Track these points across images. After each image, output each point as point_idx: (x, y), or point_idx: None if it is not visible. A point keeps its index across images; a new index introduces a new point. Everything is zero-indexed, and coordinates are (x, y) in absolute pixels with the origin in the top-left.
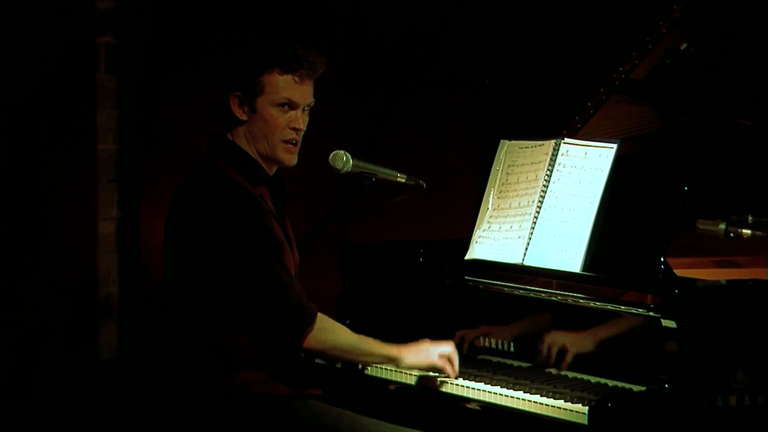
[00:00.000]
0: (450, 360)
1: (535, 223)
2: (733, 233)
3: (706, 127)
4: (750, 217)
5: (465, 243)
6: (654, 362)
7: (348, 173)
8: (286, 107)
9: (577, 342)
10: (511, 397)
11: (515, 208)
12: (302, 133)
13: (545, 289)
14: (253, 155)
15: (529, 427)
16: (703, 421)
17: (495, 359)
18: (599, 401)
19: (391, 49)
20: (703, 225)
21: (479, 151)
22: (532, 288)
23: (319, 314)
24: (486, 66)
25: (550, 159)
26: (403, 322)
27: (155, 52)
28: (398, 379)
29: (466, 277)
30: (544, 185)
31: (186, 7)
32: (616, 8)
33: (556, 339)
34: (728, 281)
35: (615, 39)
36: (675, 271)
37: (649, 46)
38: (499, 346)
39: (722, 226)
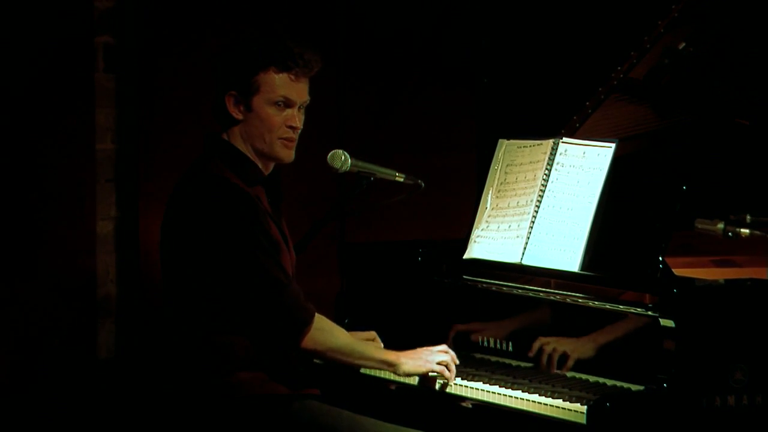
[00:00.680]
0: (448, 367)
1: (533, 222)
2: (732, 232)
3: (705, 127)
4: (748, 217)
5: (463, 242)
6: (652, 362)
7: (346, 173)
8: (282, 105)
9: (575, 341)
10: (509, 396)
11: (514, 207)
12: (299, 131)
13: (544, 289)
14: (249, 155)
15: (528, 427)
16: (702, 421)
17: (493, 358)
18: (598, 401)
19: (389, 48)
20: (701, 224)
21: (478, 151)
22: (531, 287)
23: (317, 315)
24: (485, 65)
25: (549, 158)
26: (402, 322)
27: (154, 52)
28: (397, 379)
29: (465, 277)
30: (542, 185)
31: (184, 7)
32: (615, 8)
33: (554, 338)
34: (727, 281)
35: (613, 38)
36: (673, 270)
37: (648, 46)
38: (498, 346)
39: (721, 225)
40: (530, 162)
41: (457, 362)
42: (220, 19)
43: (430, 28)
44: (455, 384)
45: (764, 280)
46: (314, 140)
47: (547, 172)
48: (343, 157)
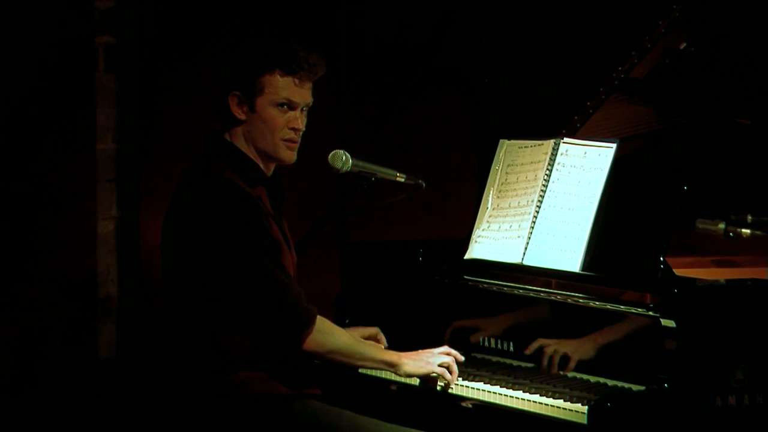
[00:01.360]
0: (449, 369)
1: (534, 222)
2: (733, 232)
3: (706, 127)
4: (749, 217)
5: (464, 242)
6: (653, 362)
7: (347, 173)
8: (285, 107)
9: (576, 342)
10: (510, 396)
11: (515, 207)
12: (301, 133)
13: (545, 289)
14: (251, 155)
15: (529, 427)
16: (702, 421)
17: (494, 359)
18: (598, 401)
19: (390, 48)
20: (702, 224)
21: (478, 151)
22: (532, 288)
23: (319, 316)
24: (485, 65)
25: (550, 158)
26: (403, 322)
27: (154, 52)
28: (398, 379)
29: (466, 277)
30: (543, 185)
31: (185, 7)
32: (616, 8)
33: (555, 339)
34: (727, 281)
35: (614, 38)
36: (674, 270)
37: (648, 46)
38: (499, 346)
39: (721, 225)
40: (531, 162)
41: (462, 359)
42: (220, 19)
43: (430, 28)
44: (456, 384)
45: (765, 281)
46: (315, 140)
47: (548, 172)
48: (344, 157)
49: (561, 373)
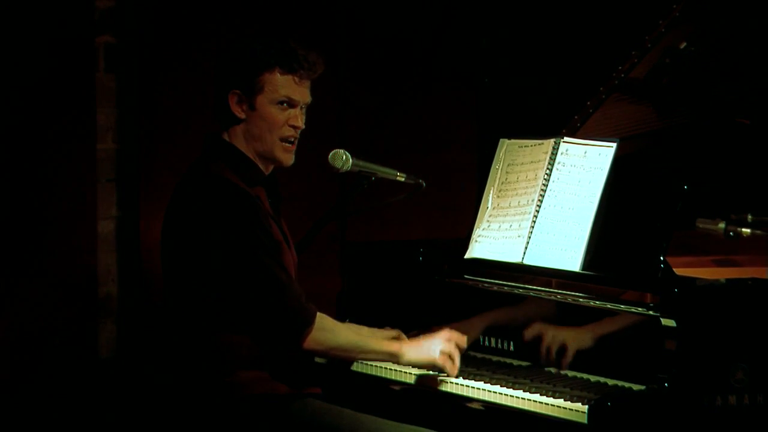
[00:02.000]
0: (451, 357)
1: (534, 222)
2: (733, 232)
3: (706, 126)
4: (749, 216)
5: (465, 242)
6: (653, 361)
7: (347, 172)
8: (285, 105)
9: (576, 341)
10: (510, 396)
11: (515, 207)
12: (300, 131)
13: (545, 288)
14: (250, 155)
15: (529, 426)
16: (703, 421)
17: (495, 358)
18: (599, 400)
19: (390, 47)
20: (702, 224)
21: (479, 150)
22: (532, 287)
23: (319, 314)
24: (485, 65)
25: (550, 158)
26: (403, 322)
27: (154, 52)
28: (398, 378)
29: (466, 276)
30: (543, 184)
31: (185, 7)
32: (616, 7)
33: (555, 338)
34: (728, 280)
35: (614, 38)
36: (674, 270)
37: (649, 45)
38: (499, 345)
39: (722, 224)
40: (531, 161)
41: (464, 345)
42: (220, 19)
43: (430, 28)
44: (456, 383)
45: (765, 280)
46: (315, 140)
47: (548, 171)
48: (344, 157)
49: (561, 372)
